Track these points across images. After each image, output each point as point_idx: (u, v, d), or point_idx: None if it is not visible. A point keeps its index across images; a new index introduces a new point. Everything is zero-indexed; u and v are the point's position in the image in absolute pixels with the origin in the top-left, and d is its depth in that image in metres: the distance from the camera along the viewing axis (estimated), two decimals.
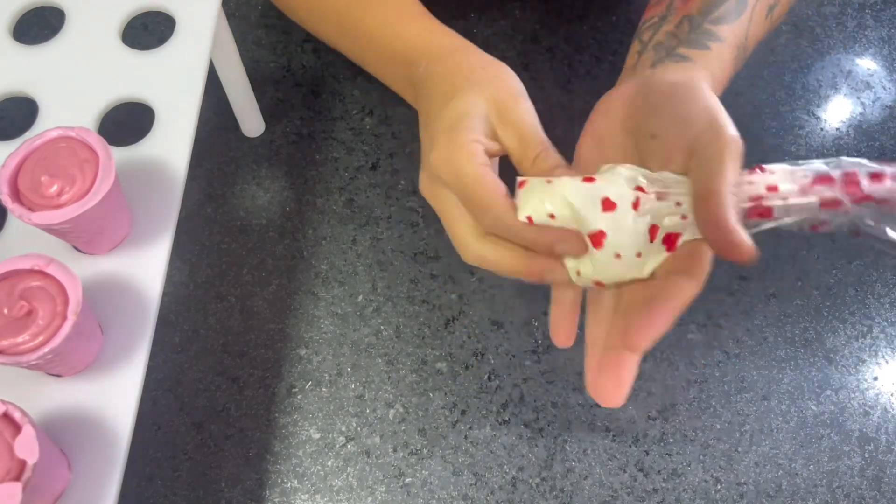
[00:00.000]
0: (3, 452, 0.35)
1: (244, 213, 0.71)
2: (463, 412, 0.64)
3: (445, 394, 0.64)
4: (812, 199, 0.37)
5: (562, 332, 0.42)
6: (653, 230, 0.38)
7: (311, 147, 0.74)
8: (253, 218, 0.71)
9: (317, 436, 0.63)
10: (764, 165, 0.38)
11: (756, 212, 0.37)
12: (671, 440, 0.63)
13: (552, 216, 0.39)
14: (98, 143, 0.42)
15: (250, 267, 0.69)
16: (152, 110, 0.51)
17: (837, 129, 0.76)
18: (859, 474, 0.62)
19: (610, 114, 0.45)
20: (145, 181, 0.49)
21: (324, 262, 0.69)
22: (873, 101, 0.78)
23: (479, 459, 0.62)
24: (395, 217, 0.70)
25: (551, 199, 0.39)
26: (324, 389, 0.64)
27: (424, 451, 0.62)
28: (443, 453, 0.62)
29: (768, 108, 0.77)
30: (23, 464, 0.35)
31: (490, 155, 0.42)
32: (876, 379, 0.66)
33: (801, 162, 0.38)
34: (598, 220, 0.38)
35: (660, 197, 0.39)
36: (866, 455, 0.63)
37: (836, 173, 0.37)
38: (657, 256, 0.38)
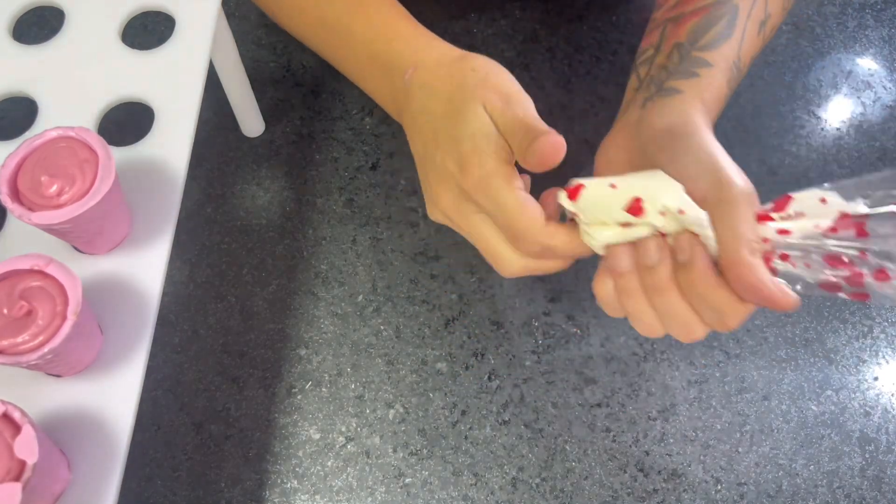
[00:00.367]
0: (2, 452, 0.35)
1: (244, 213, 0.71)
2: (463, 412, 0.64)
3: (445, 394, 0.64)
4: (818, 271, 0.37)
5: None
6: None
7: (311, 147, 0.74)
8: (253, 218, 0.71)
9: (317, 436, 0.63)
10: (782, 214, 0.38)
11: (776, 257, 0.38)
12: (671, 440, 0.63)
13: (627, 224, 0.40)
14: (98, 143, 0.42)
15: (250, 267, 0.69)
16: (152, 110, 0.51)
17: (838, 129, 0.76)
18: (860, 474, 0.62)
19: (611, 165, 0.45)
20: (145, 181, 0.49)
21: (324, 262, 0.69)
22: (874, 101, 0.78)
23: (479, 459, 0.62)
24: (395, 217, 0.70)
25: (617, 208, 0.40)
26: (324, 389, 0.64)
27: (424, 451, 0.62)
28: (443, 453, 0.62)
29: (768, 108, 0.77)
30: (22, 464, 0.35)
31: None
32: (877, 379, 0.66)
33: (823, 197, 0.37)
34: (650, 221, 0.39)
35: None
36: (867, 455, 0.63)
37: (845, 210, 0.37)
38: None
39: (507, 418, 0.64)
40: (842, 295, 0.37)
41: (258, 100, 0.72)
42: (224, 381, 0.64)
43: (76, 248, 0.47)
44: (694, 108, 0.43)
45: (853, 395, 0.65)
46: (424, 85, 0.46)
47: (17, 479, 0.35)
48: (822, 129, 0.76)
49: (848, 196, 0.37)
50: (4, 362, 0.38)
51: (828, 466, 0.63)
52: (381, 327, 0.66)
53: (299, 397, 0.64)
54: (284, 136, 0.74)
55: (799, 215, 0.38)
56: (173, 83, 0.52)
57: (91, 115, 0.51)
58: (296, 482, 0.61)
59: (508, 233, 0.41)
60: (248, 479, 0.61)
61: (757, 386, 0.65)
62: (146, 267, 0.47)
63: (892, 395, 0.65)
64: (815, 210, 0.37)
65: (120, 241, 0.47)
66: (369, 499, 0.61)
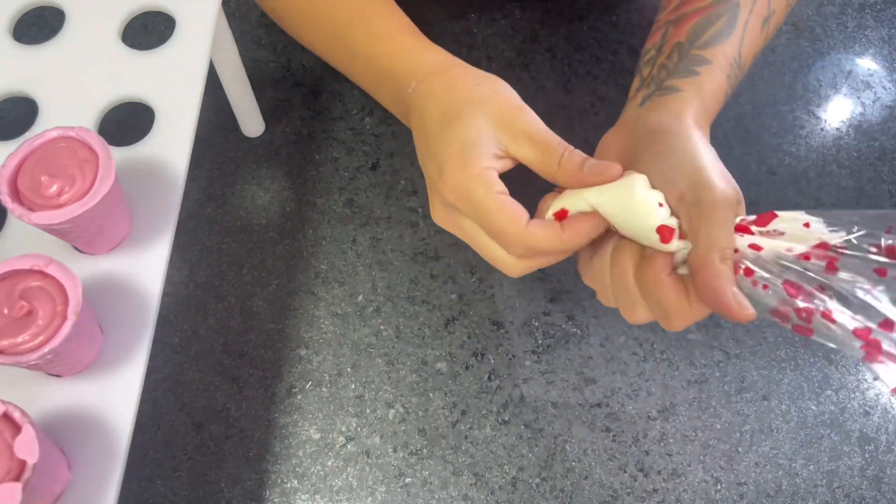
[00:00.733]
0: (2, 452, 0.35)
1: (244, 213, 0.71)
2: (463, 412, 0.64)
3: (445, 394, 0.64)
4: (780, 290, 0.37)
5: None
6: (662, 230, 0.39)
7: (311, 147, 0.74)
8: (253, 218, 0.71)
9: (317, 436, 0.63)
10: (764, 227, 0.38)
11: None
12: (671, 440, 0.63)
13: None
14: (98, 143, 0.42)
15: (250, 267, 0.69)
16: (152, 110, 0.51)
17: (837, 129, 0.76)
18: (859, 474, 0.62)
19: (606, 155, 0.45)
20: (145, 181, 0.49)
21: (324, 262, 0.69)
22: (873, 101, 0.78)
23: (479, 459, 0.62)
24: (395, 217, 0.70)
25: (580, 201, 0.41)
26: (324, 389, 0.64)
27: (424, 451, 0.62)
28: (443, 453, 0.62)
29: (768, 108, 0.77)
30: (23, 464, 0.35)
31: (500, 172, 0.42)
32: (876, 379, 0.66)
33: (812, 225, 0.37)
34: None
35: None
36: (866, 455, 0.63)
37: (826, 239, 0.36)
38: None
39: (507, 418, 0.64)
40: (787, 326, 0.37)
41: (258, 100, 0.72)
42: (224, 381, 0.64)
43: (76, 248, 0.47)
44: (689, 108, 0.43)
45: (853, 395, 0.65)
46: (427, 95, 0.46)
47: (17, 479, 0.35)
48: (822, 129, 0.76)
49: (833, 226, 0.37)
50: (4, 362, 0.38)
51: (827, 466, 0.63)
52: (381, 327, 0.67)
53: (299, 397, 0.64)
54: (284, 136, 0.74)
55: (778, 234, 0.38)
56: (173, 83, 0.52)
57: (91, 115, 0.51)
58: (296, 482, 0.61)
59: (492, 235, 0.42)
60: (248, 479, 0.61)
61: (757, 386, 0.65)
62: (146, 267, 0.47)
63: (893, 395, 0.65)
64: (796, 232, 0.37)
65: (120, 241, 0.47)
66: (369, 499, 0.61)
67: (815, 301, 0.35)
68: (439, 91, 0.45)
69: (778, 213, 0.38)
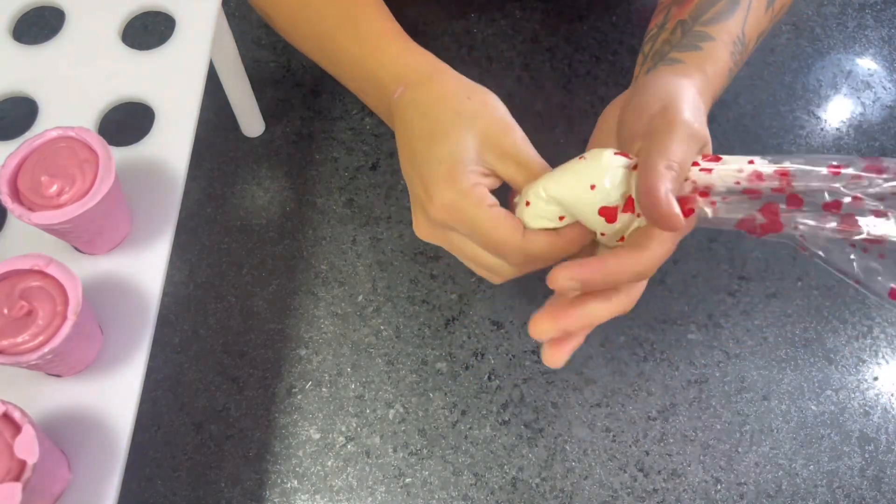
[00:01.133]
0: (2, 452, 0.35)
1: (244, 213, 0.71)
2: (463, 412, 0.64)
3: (445, 394, 0.64)
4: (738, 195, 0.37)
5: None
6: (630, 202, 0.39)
7: (311, 147, 0.74)
8: (253, 218, 0.71)
9: (317, 436, 0.63)
10: (715, 161, 0.38)
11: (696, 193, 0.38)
12: (671, 440, 0.63)
13: (561, 217, 0.41)
14: (98, 143, 0.42)
15: (250, 267, 0.69)
16: (152, 110, 0.51)
17: (837, 129, 0.76)
18: (859, 474, 0.62)
19: (606, 117, 0.45)
20: (145, 181, 0.49)
21: (324, 262, 0.69)
22: (873, 101, 0.78)
23: (479, 459, 0.62)
24: (395, 217, 0.70)
25: (548, 211, 0.41)
26: (324, 389, 0.64)
27: (424, 451, 0.62)
28: (443, 453, 0.62)
29: (768, 108, 0.77)
30: (23, 464, 0.35)
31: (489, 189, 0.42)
32: (876, 379, 0.66)
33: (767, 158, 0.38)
34: (593, 204, 0.39)
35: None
36: (866, 455, 0.63)
37: (769, 168, 0.37)
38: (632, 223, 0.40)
39: (507, 418, 0.64)
40: (755, 235, 0.37)
41: (258, 100, 0.72)
42: (224, 381, 0.64)
43: (76, 248, 0.47)
44: (690, 76, 0.43)
45: (853, 395, 0.65)
46: (413, 102, 0.45)
47: (17, 479, 0.35)
48: (822, 129, 0.76)
49: (777, 162, 0.37)
50: (4, 362, 0.38)
51: (827, 466, 0.63)
52: (381, 327, 0.67)
53: (299, 397, 0.64)
54: (284, 136, 0.74)
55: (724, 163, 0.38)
56: (173, 83, 0.52)
57: (91, 115, 0.51)
58: (296, 482, 0.61)
59: (489, 248, 0.42)
60: (248, 479, 0.61)
61: (757, 386, 0.65)
62: (146, 267, 0.47)
63: (892, 395, 0.65)
64: (740, 163, 0.38)
65: (120, 241, 0.47)
66: (369, 499, 0.61)
67: (776, 199, 0.36)
68: (426, 102, 0.45)
69: (722, 156, 0.38)
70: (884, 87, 0.78)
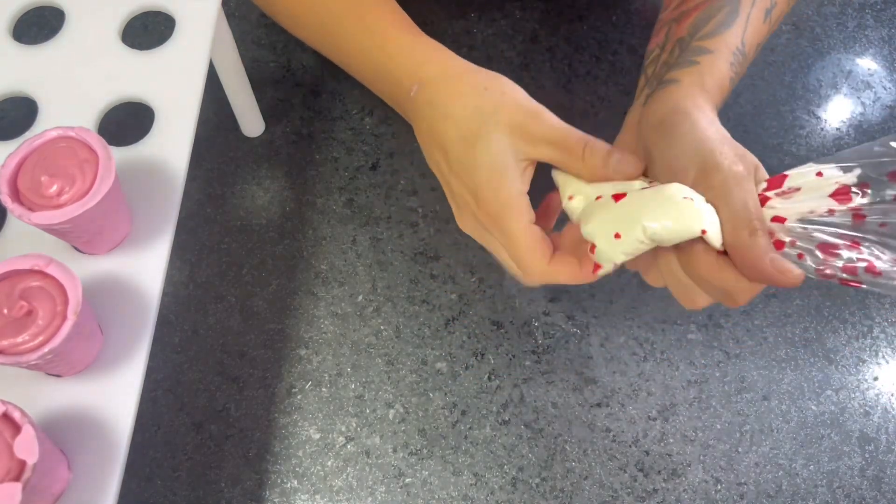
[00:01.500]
0: (2, 452, 0.35)
1: (244, 213, 0.71)
2: (463, 412, 0.64)
3: (445, 394, 0.64)
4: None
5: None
6: None
7: (311, 147, 0.74)
8: (253, 218, 0.71)
9: (317, 436, 0.63)
10: (778, 188, 0.38)
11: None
12: (671, 440, 0.63)
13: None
14: (98, 143, 0.42)
15: (250, 267, 0.69)
16: (152, 110, 0.51)
17: (837, 129, 0.76)
18: (859, 474, 0.62)
19: (625, 136, 0.46)
20: (145, 181, 0.49)
21: (324, 262, 0.69)
22: (873, 101, 0.78)
23: (479, 459, 0.62)
24: (395, 217, 0.70)
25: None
26: (324, 389, 0.64)
27: (424, 451, 0.62)
28: (443, 453, 0.62)
29: (768, 108, 0.77)
30: (23, 464, 0.35)
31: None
32: (876, 379, 0.66)
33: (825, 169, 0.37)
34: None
35: None
36: (866, 455, 0.63)
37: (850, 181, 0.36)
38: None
39: (507, 418, 0.64)
40: (837, 282, 0.36)
41: (258, 100, 0.72)
42: (224, 381, 0.64)
43: (76, 248, 0.47)
44: (688, 96, 0.43)
45: (853, 395, 0.65)
46: (431, 103, 0.45)
47: (17, 479, 0.35)
48: (822, 129, 0.76)
49: (847, 167, 0.37)
50: (4, 362, 0.38)
51: (828, 466, 0.63)
52: (381, 327, 0.66)
53: (299, 397, 0.64)
54: (284, 136, 0.74)
55: (794, 190, 0.37)
56: (173, 83, 0.52)
57: (91, 115, 0.51)
58: (296, 482, 0.61)
59: (516, 263, 0.43)
60: (248, 479, 0.61)
61: (757, 386, 0.65)
62: (146, 267, 0.47)
63: (892, 395, 0.65)
64: (811, 185, 0.37)
65: (120, 241, 0.47)
66: (369, 499, 0.61)
67: (853, 255, 0.35)
68: (444, 101, 0.45)
69: (788, 172, 0.38)
70: (884, 87, 0.78)
